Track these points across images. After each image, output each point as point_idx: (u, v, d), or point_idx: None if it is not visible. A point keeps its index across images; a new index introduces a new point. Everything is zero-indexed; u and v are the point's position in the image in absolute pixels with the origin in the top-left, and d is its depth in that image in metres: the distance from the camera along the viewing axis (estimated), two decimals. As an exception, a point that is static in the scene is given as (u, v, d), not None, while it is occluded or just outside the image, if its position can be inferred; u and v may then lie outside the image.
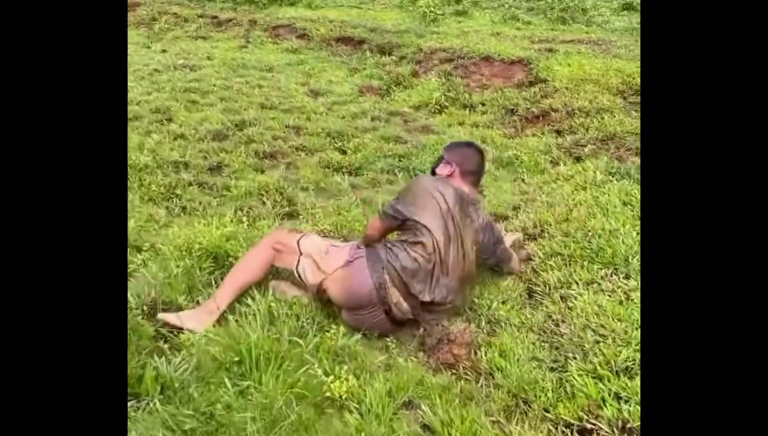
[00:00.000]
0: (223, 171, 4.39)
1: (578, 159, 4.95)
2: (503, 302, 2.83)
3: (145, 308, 2.52)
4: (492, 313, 2.75)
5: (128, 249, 3.06)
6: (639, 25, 10.24)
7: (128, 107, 5.62)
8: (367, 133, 5.50)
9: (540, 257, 3.19)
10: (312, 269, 2.60)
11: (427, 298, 2.56)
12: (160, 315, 2.46)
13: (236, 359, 2.22)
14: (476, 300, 2.85)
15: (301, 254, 2.64)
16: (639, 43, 8.85)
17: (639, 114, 5.84)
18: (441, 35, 9.24)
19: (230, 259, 2.97)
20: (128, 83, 6.51)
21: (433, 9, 10.47)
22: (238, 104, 6.16)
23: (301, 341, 2.32)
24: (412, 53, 8.47)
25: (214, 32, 10.59)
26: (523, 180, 4.56)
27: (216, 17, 11.29)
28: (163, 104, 5.84)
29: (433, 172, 2.95)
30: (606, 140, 5.30)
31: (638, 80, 6.63)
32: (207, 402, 2.04)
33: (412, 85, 7.41)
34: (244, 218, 3.40)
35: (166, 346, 2.33)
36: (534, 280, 3.02)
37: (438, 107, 6.46)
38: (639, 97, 6.37)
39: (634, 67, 7.00)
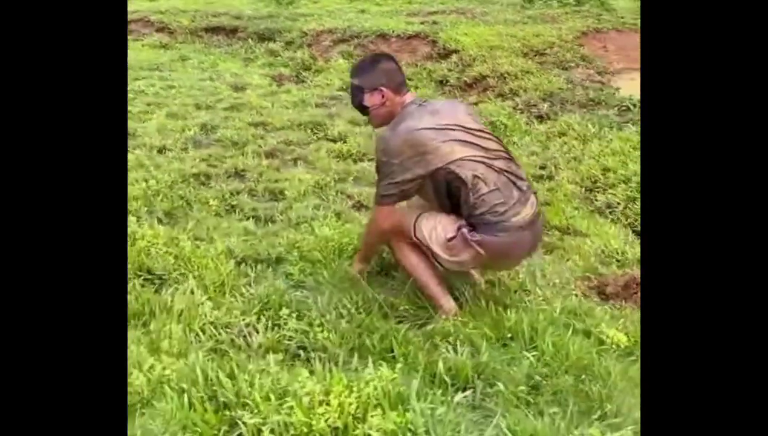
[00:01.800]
0: (246, 177, 4.22)
1: (540, 117, 5.47)
2: (629, 245, 3.22)
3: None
4: (632, 257, 3.12)
5: (256, 264, 2.95)
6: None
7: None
8: (335, 118, 5.53)
9: (622, 202, 3.62)
10: (445, 259, 2.50)
11: (525, 186, 2.50)
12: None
13: (509, 335, 2.36)
14: (604, 249, 3.21)
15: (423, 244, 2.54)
16: (494, 6, 9.64)
17: (557, 71, 6.53)
18: (314, 17, 9.26)
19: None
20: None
21: (286, -10, 10.41)
22: (175, 108, 5.80)
23: (547, 307, 2.51)
24: (298, 37, 8.44)
25: (52, 35, 9.54)
26: (515, 142, 4.96)
27: (45, 18, 10.14)
28: (100, 118, 5.31)
29: (363, 108, 2.58)
30: (546, 98, 5.89)
31: (533, 42, 7.34)
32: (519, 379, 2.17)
33: (322, 69, 7.45)
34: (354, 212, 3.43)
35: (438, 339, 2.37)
36: (635, 223, 3.45)
37: (370, 87, 6.59)
38: (543, 58, 7.08)
39: (520, 32, 7.71)
